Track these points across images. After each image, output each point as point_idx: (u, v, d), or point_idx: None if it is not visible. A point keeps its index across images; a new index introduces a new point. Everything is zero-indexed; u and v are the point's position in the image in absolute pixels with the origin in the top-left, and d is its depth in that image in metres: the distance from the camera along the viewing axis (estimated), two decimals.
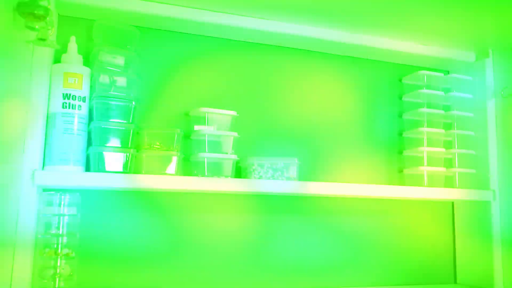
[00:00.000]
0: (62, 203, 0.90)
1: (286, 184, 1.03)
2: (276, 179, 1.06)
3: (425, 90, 1.24)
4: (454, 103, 1.31)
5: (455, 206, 1.33)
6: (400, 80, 1.30)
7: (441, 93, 1.25)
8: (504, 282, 1.18)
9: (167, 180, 0.95)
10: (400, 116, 1.29)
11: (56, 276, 0.87)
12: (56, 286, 0.87)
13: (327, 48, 1.22)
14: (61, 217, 0.90)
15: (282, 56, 1.21)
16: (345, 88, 1.26)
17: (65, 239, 0.89)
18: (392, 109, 1.29)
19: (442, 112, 1.24)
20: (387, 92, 1.29)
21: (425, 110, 1.22)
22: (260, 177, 1.06)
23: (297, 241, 1.17)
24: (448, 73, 1.29)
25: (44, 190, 0.93)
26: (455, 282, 1.30)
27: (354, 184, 1.08)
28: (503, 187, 1.21)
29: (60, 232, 0.89)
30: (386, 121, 1.28)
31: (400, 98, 1.30)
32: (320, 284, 1.17)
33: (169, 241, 1.07)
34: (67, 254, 0.89)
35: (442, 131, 1.24)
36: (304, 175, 1.15)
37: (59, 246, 0.89)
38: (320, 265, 1.18)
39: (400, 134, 1.29)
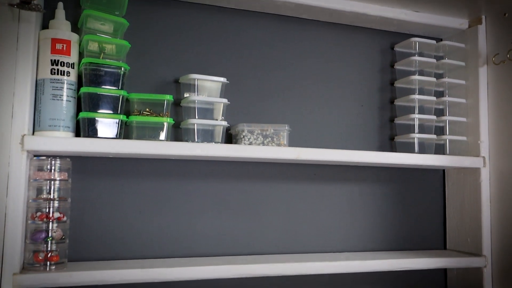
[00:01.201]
0: (53, 168, 0.91)
1: (277, 150, 1.03)
2: (267, 146, 1.06)
3: (416, 58, 1.23)
4: (446, 70, 1.31)
5: (446, 173, 1.34)
6: (392, 48, 1.30)
7: (433, 60, 1.24)
8: (492, 248, 1.20)
9: (158, 145, 0.95)
10: (392, 84, 1.29)
11: (48, 239, 0.89)
12: (49, 249, 0.89)
13: (318, 15, 1.21)
14: (52, 182, 0.91)
15: (273, 23, 1.20)
16: (336, 55, 1.25)
17: (56, 204, 0.90)
18: (384, 77, 1.29)
19: (434, 79, 1.24)
20: (379, 60, 1.29)
21: (416, 77, 1.22)
22: (251, 144, 1.06)
23: (287, 208, 1.18)
24: (441, 41, 1.28)
25: (35, 156, 0.93)
26: (445, 247, 1.32)
27: (344, 151, 1.09)
28: (493, 154, 1.22)
29: (51, 197, 0.90)
30: (378, 89, 1.28)
31: (392, 66, 1.30)
32: (310, 249, 1.19)
33: (159, 207, 1.08)
34: (58, 218, 0.90)
35: (434, 98, 1.24)
36: (295, 142, 1.16)
37: (51, 210, 0.90)
38: (310, 231, 1.20)
39: (392, 102, 1.29)
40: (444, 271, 1.31)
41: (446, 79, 1.26)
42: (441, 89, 1.31)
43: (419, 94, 1.22)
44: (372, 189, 1.26)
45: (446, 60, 1.26)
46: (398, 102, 1.27)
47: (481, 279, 1.19)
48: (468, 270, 1.23)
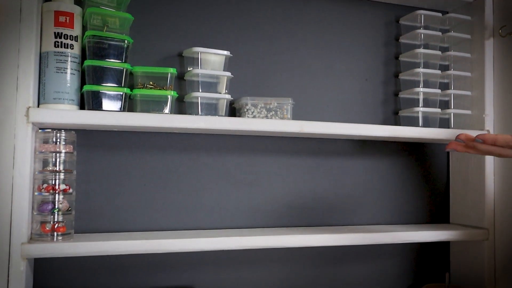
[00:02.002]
0: (58, 140, 0.92)
1: (280, 123, 1.03)
2: (270, 119, 1.06)
3: (422, 31, 1.22)
4: (451, 44, 1.30)
5: None
6: (397, 21, 1.29)
7: (438, 33, 1.23)
8: (495, 221, 1.20)
9: (162, 118, 0.96)
10: (397, 57, 1.28)
11: (55, 211, 0.90)
12: (55, 220, 0.90)
13: None
14: (58, 155, 0.92)
15: None
16: (341, 29, 1.24)
17: (62, 176, 0.91)
18: (388, 50, 1.28)
19: (439, 53, 1.23)
20: (383, 33, 1.28)
21: (421, 51, 1.21)
22: (254, 117, 1.06)
23: (291, 182, 1.19)
24: (447, 13, 1.27)
25: (40, 129, 0.94)
26: (448, 221, 1.33)
27: (348, 124, 1.08)
28: (498, 127, 1.21)
29: (57, 169, 0.91)
30: (382, 63, 1.28)
31: (397, 39, 1.29)
32: (314, 222, 1.20)
33: (163, 181, 1.09)
34: (64, 190, 0.92)
35: (439, 72, 1.23)
36: (298, 116, 1.16)
37: (57, 182, 0.91)
38: (314, 205, 1.21)
39: (396, 76, 1.28)
40: (447, 244, 1.32)
41: (451, 53, 1.25)
42: (446, 62, 1.29)
43: (424, 67, 1.21)
44: (376, 163, 1.26)
45: (452, 33, 1.25)
46: (402, 76, 1.26)
47: (483, 252, 1.20)
48: (470, 243, 1.24)
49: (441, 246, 1.31)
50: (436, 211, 1.33)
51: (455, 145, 0.94)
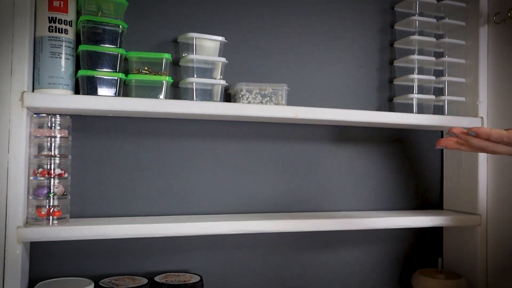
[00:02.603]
0: (53, 125, 0.92)
1: (275, 109, 1.04)
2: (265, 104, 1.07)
3: (417, 17, 1.22)
4: (446, 31, 1.30)
5: (444, 135, 1.34)
6: (392, 8, 1.29)
7: (433, 20, 1.24)
8: (488, 207, 1.21)
9: (156, 103, 0.96)
10: (391, 44, 1.29)
11: (50, 195, 0.90)
12: (51, 204, 0.91)
13: None
14: (53, 139, 0.92)
15: None
16: (336, 15, 1.24)
17: (57, 160, 0.92)
18: (383, 37, 1.29)
19: (433, 40, 1.23)
20: (379, 20, 1.28)
21: (416, 37, 1.21)
22: (249, 103, 1.07)
23: (286, 168, 1.20)
24: (442, 0, 1.27)
25: (35, 114, 0.94)
26: (442, 208, 1.34)
27: (343, 110, 1.09)
28: (491, 114, 1.22)
29: (52, 154, 0.92)
30: (377, 50, 1.28)
31: (392, 26, 1.29)
32: (308, 208, 1.21)
33: (158, 166, 1.09)
34: (60, 175, 0.92)
35: (433, 59, 1.24)
36: (293, 102, 1.17)
37: (52, 166, 0.91)
38: (308, 191, 1.21)
39: (391, 63, 1.29)
40: (440, 230, 1.33)
41: (446, 39, 1.26)
42: (441, 49, 1.30)
43: (418, 54, 1.22)
44: (371, 150, 1.27)
45: (447, 20, 1.25)
46: (397, 63, 1.26)
47: (476, 238, 1.21)
48: (463, 229, 1.25)
49: (434, 232, 1.33)
50: (429, 197, 1.34)
51: (446, 141, 0.87)
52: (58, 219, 0.91)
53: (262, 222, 1.02)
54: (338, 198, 1.24)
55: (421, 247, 1.32)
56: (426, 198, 1.33)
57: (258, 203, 1.17)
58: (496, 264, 1.19)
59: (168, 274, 1.06)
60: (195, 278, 1.02)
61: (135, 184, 1.08)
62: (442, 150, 1.35)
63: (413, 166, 1.32)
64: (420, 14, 1.24)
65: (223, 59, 1.06)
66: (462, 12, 1.26)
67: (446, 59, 1.26)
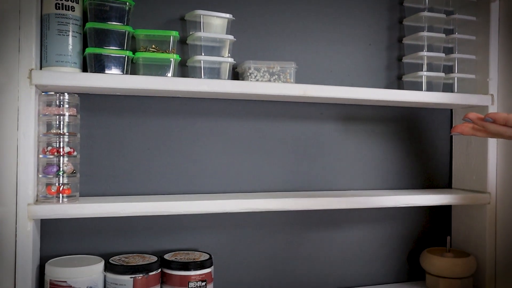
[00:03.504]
0: (62, 103, 0.92)
1: (283, 87, 1.03)
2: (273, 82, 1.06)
3: None
4: (456, 7, 1.28)
5: (453, 113, 1.33)
6: None
7: None
8: (497, 186, 1.21)
9: (164, 81, 0.95)
10: (401, 22, 1.27)
11: (60, 173, 0.91)
12: (60, 182, 0.91)
13: None
14: (62, 117, 0.92)
15: None
16: (345, 8, 1.23)
17: (66, 138, 0.92)
18: (392, 15, 1.27)
19: (443, 16, 1.22)
20: None
21: (426, 14, 1.19)
22: (257, 81, 1.06)
23: (295, 146, 1.19)
24: None
25: (43, 92, 0.94)
26: (451, 187, 1.34)
27: (351, 88, 1.08)
28: (501, 91, 1.21)
29: (61, 132, 0.92)
30: (386, 27, 1.26)
31: (401, 3, 1.27)
32: (317, 187, 1.21)
33: (167, 145, 1.09)
34: (69, 153, 0.92)
35: (443, 36, 1.22)
36: (302, 80, 1.16)
37: (61, 144, 0.91)
38: (317, 170, 1.21)
39: (400, 41, 1.27)
40: (449, 209, 1.33)
41: (456, 16, 1.24)
42: (450, 26, 1.28)
43: (428, 31, 1.20)
44: (380, 128, 1.26)
45: None
46: (406, 41, 1.25)
47: (485, 216, 1.21)
48: (472, 208, 1.25)
49: (443, 211, 1.33)
50: (438, 176, 1.33)
51: (462, 127, 0.84)
52: (68, 197, 0.92)
53: (270, 200, 1.02)
54: (346, 177, 1.24)
55: (430, 226, 1.32)
56: (435, 177, 1.33)
57: (266, 182, 1.17)
58: (505, 242, 1.19)
59: (177, 252, 1.06)
60: (204, 256, 1.03)
61: (143, 162, 1.08)
62: (451, 127, 1.33)
63: (421, 145, 1.31)
64: None
65: (231, 37, 1.05)
66: None
67: (456, 35, 1.24)
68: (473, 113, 0.82)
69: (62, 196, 0.91)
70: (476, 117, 0.81)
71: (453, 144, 1.33)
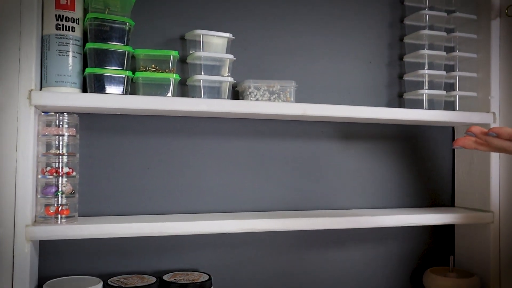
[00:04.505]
0: (61, 123, 0.92)
1: (283, 106, 1.03)
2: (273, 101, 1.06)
3: (427, 11, 1.20)
4: (457, 25, 1.28)
5: (455, 131, 1.32)
6: (402, 2, 1.27)
7: (443, 14, 1.22)
8: (500, 204, 1.19)
9: (164, 101, 0.95)
10: (401, 39, 1.27)
11: (58, 194, 0.90)
12: (59, 203, 0.90)
13: None
14: (61, 138, 0.92)
15: None
16: (345, 10, 1.23)
17: (65, 159, 0.92)
18: (393, 32, 1.27)
19: (444, 34, 1.21)
20: (388, 15, 1.26)
21: (426, 32, 1.19)
22: (257, 100, 1.06)
23: (295, 166, 1.18)
24: None
25: (43, 112, 0.94)
26: (453, 205, 1.32)
27: (352, 106, 1.08)
28: (503, 109, 1.20)
29: (60, 152, 0.92)
30: (386, 45, 1.26)
31: (401, 21, 1.27)
32: (318, 206, 1.20)
33: (167, 164, 1.09)
34: (68, 173, 0.92)
35: (444, 54, 1.22)
36: (302, 99, 1.15)
37: (60, 165, 0.91)
38: (318, 189, 1.20)
39: (401, 58, 1.27)
40: (452, 228, 1.32)
41: (457, 34, 1.23)
42: (451, 44, 1.28)
43: (429, 49, 1.20)
44: (381, 147, 1.26)
45: (457, 14, 1.23)
46: (407, 58, 1.24)
47: (488, 235, 1.19)
48: (475, 227, 1.23)
49: (446, 230, 1.31)
50: (441, 195, 1.32)
51: (464, 140, 0.83)
52: (66, 217, 0.91)
53: (270, 220, 1.01)
54: (347, 196, 1.23)
55: (433, 245, 1.30)
56: (438, 196, 1.31)
57: (266, 201, 1.16)
58: (509, 262, 1.17)
59: (176, 272, 1.05)
60: (204, 277, 1.02)
61: (143, 182, 1.07)
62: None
63: (424, 163, 1.30)
64: (430, 8, 1.23)
65: (231, 56, 1.05)
66: (473, 5, 1.24)
67: (457, 53, 1.24)
68: (476, 126, 0.82)
69: (61, 217, 0.91)
70: (480, 131, 0.81)
71: (455, 162, 1.32)
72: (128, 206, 1.06)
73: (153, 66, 1.01)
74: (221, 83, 1.04)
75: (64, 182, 0.91)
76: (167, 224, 0.95)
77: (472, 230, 1.25)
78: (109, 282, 0.96)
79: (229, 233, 1.11)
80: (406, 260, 1.28)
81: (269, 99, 1.07)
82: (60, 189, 0.91)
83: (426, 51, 1.19)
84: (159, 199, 1.08)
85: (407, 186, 1.28)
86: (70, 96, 0.90)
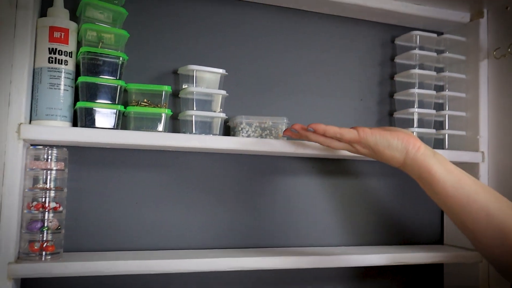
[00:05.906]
0: (49, 157, 0.91)
1: (274, 143, 1.02)
2: (264, 138, 1.06)
3: (417, 51, 1.23)
4: (446, 64, 1.30)
5: None
6: (392, 41, 1.29)
7: (433, 54, 1.24)
8: None
9: (155, 136, 0.95)
10: (392, 78, 1.28)
11: (44, 229, 0.88)
12: (44, 239, 0.88)
13: (318, 7, 1.20)
14: (49, 172, 0.90)
15: (272, 15, 1.19)
16: (336, 48, 1.25)
17: (52, 194, 0.90)
18: (384, 70, 1.28)
19: (434, 73, 1.23)
20: (379, 53, 1.28)
21: (416, 71, 1.21)
22: (249, 136, 1.06)
23: (285, 201, 1.18)
24: (442, 34, 1.27)
25: (32, 145, 0.93)
26: (442, 243, 1.32)
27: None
28: (492, 149, 1.21)
29: (48, 187, 0.90)
30: (377, 83, 1.28)
31: (392, 59, 1.29)
32: (307, 243, 1.19)
33: (156, 199, 1.07)
34: (54, 208, 0.90)
35: (434, 92, 1.23)
36: None
37: (47, 200, 0.89)
38: (307, 225, 1.19)
39: (391, 96, 1.28)
40: (441, 266, 1.31)
41: (446, 73, 1.25)
42: (441, 83, 1.30)
43: (419, 88, 1.22)
44: (370, 183, 1.26)
45: (447, 54, 1.26)
46: (397, 96, 1.26)
47: (477, 275, 1.19)
48: (464, 265, 1.23)
49: (435, 268, 1.30)
50: (429, 232, 1.32)
51: (289, 133, 0.97)
52: (51, 254, 0.89)
53: (260, 259, 1.00)
54: (336, 232, 1.22)
55: (421, 283, 1.29)
56: (426, 233, 1.31)
57: (257, 237, 1.15)
58: None
59: None
60: None
61: (131, 217, 1.05)
62: None
63: (412, 200, 1.30)
64: (421, 48, 1.25)
65: (223, 92, 1.05)
66: (462, 46, 1.27)
67: (447, 92, 1.25)
68: (298, 124, 0.94)
69: (45, 253, 0.88)
70: (300, 127, 0.94)
71: None
72: (115, 241, 1.04)
73: (145, 100, 1.01)
74: (213, 118, 1.04)
75: (50, 217, 0.89)
76: (155, 262, 0.93)
77: (461, 269, 1.24)
78: None
79: (219, 271, 1.09)
80: None
81: (261, 135, 1.07)
82: (45, 225, 0.89)
83: (416, 90, 1.21)
84: (147, 234, 1.06)
85: (396, 223, 1.28)
86: (59, 130, 0.89)
